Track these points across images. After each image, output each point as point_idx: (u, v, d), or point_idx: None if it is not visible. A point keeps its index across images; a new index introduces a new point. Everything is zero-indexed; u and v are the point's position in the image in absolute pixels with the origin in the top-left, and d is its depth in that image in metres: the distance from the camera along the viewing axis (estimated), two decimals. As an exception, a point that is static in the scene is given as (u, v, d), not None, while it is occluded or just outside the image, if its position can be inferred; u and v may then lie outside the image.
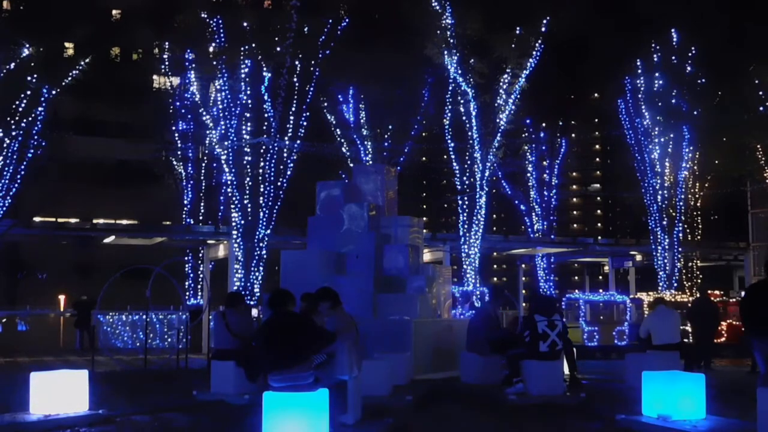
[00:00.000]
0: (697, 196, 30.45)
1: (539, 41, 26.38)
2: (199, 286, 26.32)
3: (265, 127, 22.81)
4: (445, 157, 26.54)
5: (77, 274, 38.15)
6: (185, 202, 27.79)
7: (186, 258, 25.69)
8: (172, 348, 18.96)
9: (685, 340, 17.04)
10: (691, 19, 27.88)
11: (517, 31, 26.30)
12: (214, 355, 11.93)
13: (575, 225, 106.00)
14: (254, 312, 18.16)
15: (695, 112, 27.80)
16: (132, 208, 35.75)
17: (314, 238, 17.11)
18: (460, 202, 26.61)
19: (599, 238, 36.72)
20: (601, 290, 27.81)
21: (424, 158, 26.06)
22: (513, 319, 16.10)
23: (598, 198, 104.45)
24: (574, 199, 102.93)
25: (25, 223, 22.11)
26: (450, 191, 33.92)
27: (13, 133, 20.98)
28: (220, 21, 23.13)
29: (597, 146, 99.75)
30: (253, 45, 22.84)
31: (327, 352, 8.29)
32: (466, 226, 26.19)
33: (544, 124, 31.81)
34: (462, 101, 26.09)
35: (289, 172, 23.43)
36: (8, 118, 20.56)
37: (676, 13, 28.57)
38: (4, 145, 20.98)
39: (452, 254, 26.99)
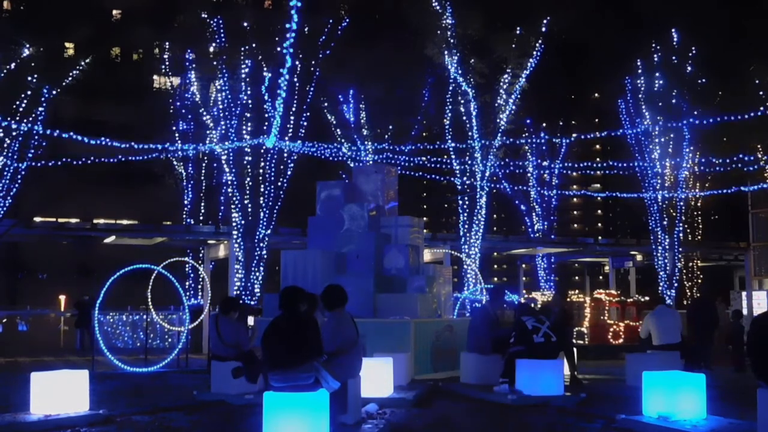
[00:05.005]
0: (697, 196, 30.43)
1: (539, 41, 26.39)
2: (200, 286, 26.32)
3: (265, 127, 22.82)
4: (445, 157, 26.57)
5: (77, 274, 38.17)
6: (185, 202, 27.80)
7: (186, 258, 25.69)
8: (172, 348, 18.96)
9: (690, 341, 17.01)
10: (691, 19, 27.90)
11: (517, 31, 26.32)
12: (212, 357, 11.96)
13: (575, 225, 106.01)
14: (250, 320, 18.12)
15: (695, 112, 27.82)
16: (132, 208, 35.79)
17: (314, 238, 17.12)
18: (460, 202, 26.61)
19: (599, 238, 36.72)
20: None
21: (424, 158, 26.05)
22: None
23: (598, 198, 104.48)
24: (574, 199, 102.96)
25: (25, 223, 22.11)
26: (450, 191, 33.93)
27: (14, 133, 20.99)
28: (220, 21, 23.13)
29: (597, 146, 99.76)
30: (254, 45, 22.84)
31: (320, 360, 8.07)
32: (466, 226, 26.20)
33: (544, 124, 31.83)
34: (462, 101, 26.09)
35: (289, 172, 23.44)
36: (8, 118, 20.57)
37: (676, 12, 28.61)
38: (5, 145, 20.99)
39: (452, 254, 26.99)
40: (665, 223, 28.50)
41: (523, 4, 28.45)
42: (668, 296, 27.36)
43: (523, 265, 34.14)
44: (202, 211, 27.89)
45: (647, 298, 25.43)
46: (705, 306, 17.66)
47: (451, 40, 25.59)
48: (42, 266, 46.18)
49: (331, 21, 24.13)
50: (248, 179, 22.90)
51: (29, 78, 21.23)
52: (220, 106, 23.39)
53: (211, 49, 23.76)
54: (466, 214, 26.30)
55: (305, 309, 8.76)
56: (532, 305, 13.30)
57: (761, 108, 23.58)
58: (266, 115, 22.81)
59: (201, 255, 26.30)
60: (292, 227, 24.20)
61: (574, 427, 8.90)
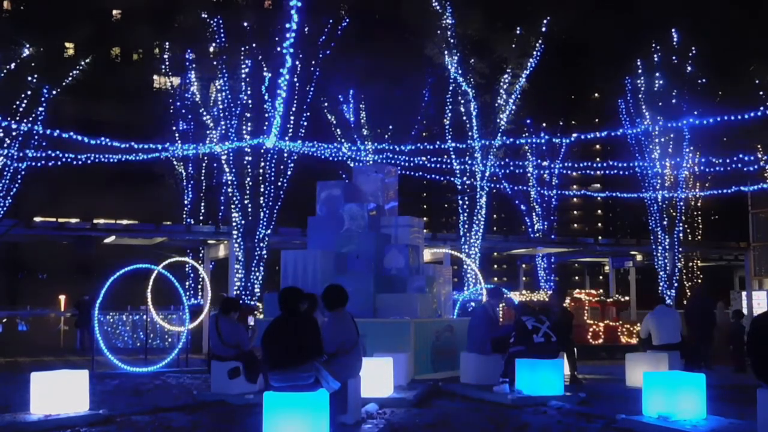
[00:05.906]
0: (697, 196, 30.42)
1: (539, 41, 26.39)
2: (200, 286, 26.30)
3: (265, 127, 22.82)
4: (445, 157, 26.59)
5: (77, 274, 38.15)
6: (185, 202, 27.79)
7: (186, 258, 25.69)
8: (172, 348, 18.96)
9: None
10: (691, 19, 27.90)
11: (517, 31, 26.32)
12: (212, 357, 11.97)
13: (575, 225, 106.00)
14: (250, 320, 18.14)
15: (695, 112, 27.81)
16: (132, 208, 35.77)
17: (314, 238, 17.12)
18: (460, 202, 26.60)
19: (599, 238, 36.70)
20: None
21: (424, 158, 26.07)
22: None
23: (598, 198, 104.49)
24: (574, 199, 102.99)
25: (26, 223, 22.12)
26: (450, 191, 33.93)
27: (14, 133, 20.99)
28: (220, 21, 23.13)
29: (597, 146, 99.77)
30: (254, 45, 22.84)
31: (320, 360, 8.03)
32: (466, 226, 26.19)
33: (544, 124, 31.83)
34: (462, 101, 26.09)
35: (289, 172, 23.44)
36: (8, 118, 20.58)
37: (676, 12, 28.60)
38: (5, 145, 20.99)
39: (452, 254, 26.98)
40: (665, 223, 28.48)
41: (523, 4, 28.47)
42: (668, 296, 27.34)
43: (523, 265, 34.13)
44: (202, 211, 27.89)
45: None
46: (702, 304, 17.61)
47: (451, 40, 25.59)
48: (42, 266, 46.17)
49: (331, 21, 24.12)
50: (248, 179, 22.89)
51: (29, 78, 21.23)
52: (220, 106, 23.38)
53: (211, 49, 23.75)
54: (466, 214, 26.29)
55: (305, 309, 8.77)
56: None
57: (761, 108, 23.58)
58: (266, 115, 22.80)
59: (201, 255, 26.30)
60: (292, 227, 24.19)
61: (574, 427, 8.90)
